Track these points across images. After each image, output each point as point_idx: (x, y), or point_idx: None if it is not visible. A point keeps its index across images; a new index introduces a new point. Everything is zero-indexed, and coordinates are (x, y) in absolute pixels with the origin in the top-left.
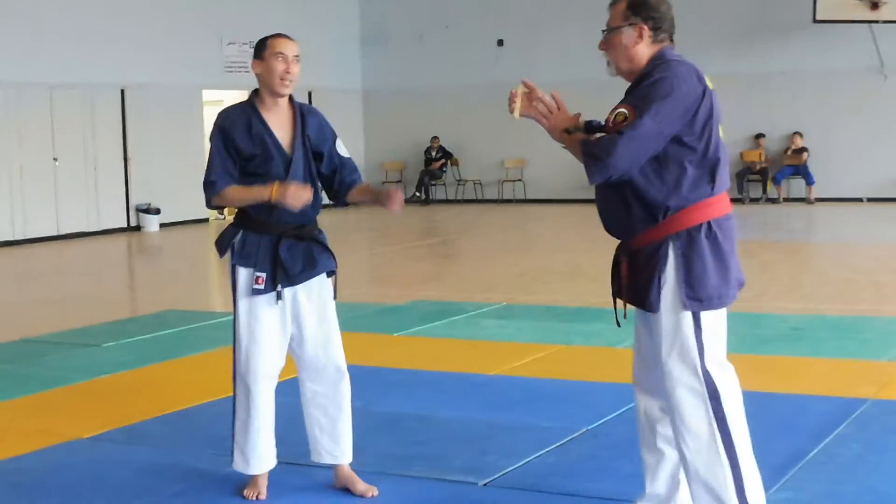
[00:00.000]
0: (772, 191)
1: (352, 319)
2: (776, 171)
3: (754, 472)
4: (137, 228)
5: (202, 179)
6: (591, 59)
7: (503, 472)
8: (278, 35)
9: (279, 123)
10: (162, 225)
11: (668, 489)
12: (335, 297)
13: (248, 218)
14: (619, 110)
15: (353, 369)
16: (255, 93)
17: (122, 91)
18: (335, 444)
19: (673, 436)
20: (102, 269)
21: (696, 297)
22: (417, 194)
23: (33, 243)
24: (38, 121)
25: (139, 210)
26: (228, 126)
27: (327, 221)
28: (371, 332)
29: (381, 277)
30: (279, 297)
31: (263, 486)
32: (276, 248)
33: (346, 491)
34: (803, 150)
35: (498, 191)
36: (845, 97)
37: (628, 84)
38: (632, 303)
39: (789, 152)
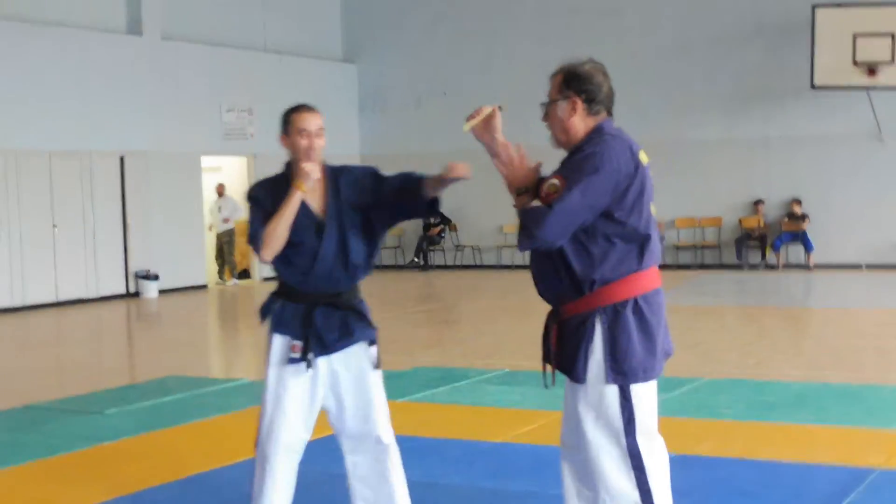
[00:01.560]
0: (770, 257)
1: None
2: (775, 238)
3: None
4: (136, 295)
5: (196, 250)
6: None
7: None
8: (301, 109)
9: (310, 191)
10: (161, 291)
11: None
12: (378, 366)
13: (285, 286)
14: (551, 181)
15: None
16: (288, 165)
17: (122, 158)
18: None
19: (593, 497)
20: (102, 335)
21: (621, 371)
22: (416, 260)
23: (32, 310)
24: (37, 187)
25: (138, 276)
26: (261, 196)
27: None
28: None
29: (382, 343)
30: (309, 365)
31: None
32: (311, 316)
33: None
34: (803, 216)
35: (496, 256)
36: (844, 162)
37: None
38: (560, 370)
39: (788, 218)
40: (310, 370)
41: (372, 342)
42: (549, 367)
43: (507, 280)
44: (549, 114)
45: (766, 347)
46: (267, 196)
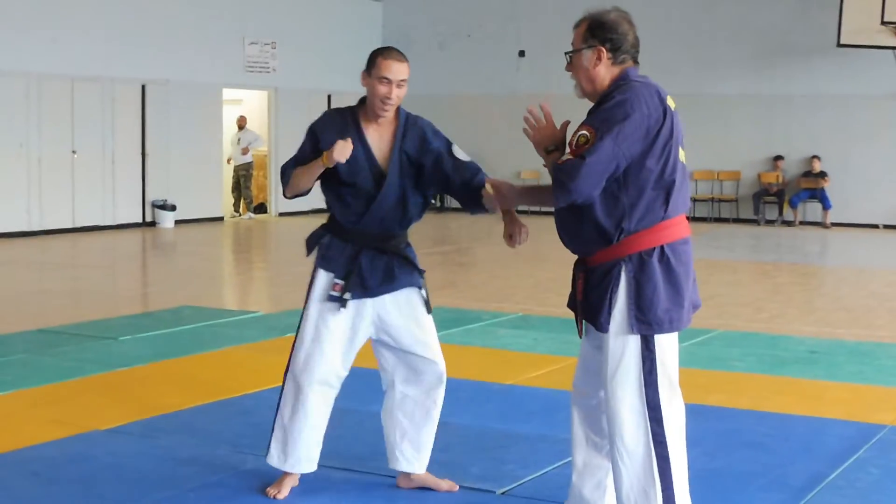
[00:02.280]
0: (788, 213)
1: None
2: (793, 194)
3: (686, 501)
4: (152, 224)
5: (210, 182)
6: None
7: (520, 481)
8: (390, 56)
9: (378, 136)
10: (177, 221)
11: (592, 495)
12: (429, 310)
13: (335, 223)
14: (580, 132)
15: (370, 374)
16: (362, 100)
17: (143, 86)
18: (416, 451)
19: (604, 445)
20: (117, 263)
21: (646, 321)
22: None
23: (49, 235)
24: (58, 112)
25: (155, 206)
26: (320, 129)
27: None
28: None
29: None
30: (344, 304)
31: (289, 486)
32: (357, 258)
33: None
34: (822, 174)
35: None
36: (866, 122)
37: None
38: (585, 319)
39: (807, 176)
40: (351, 309)
41: (419, 287)
42: (575, 316)
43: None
44: (573, 63)
45: (779, 303)
46: (326, 130)
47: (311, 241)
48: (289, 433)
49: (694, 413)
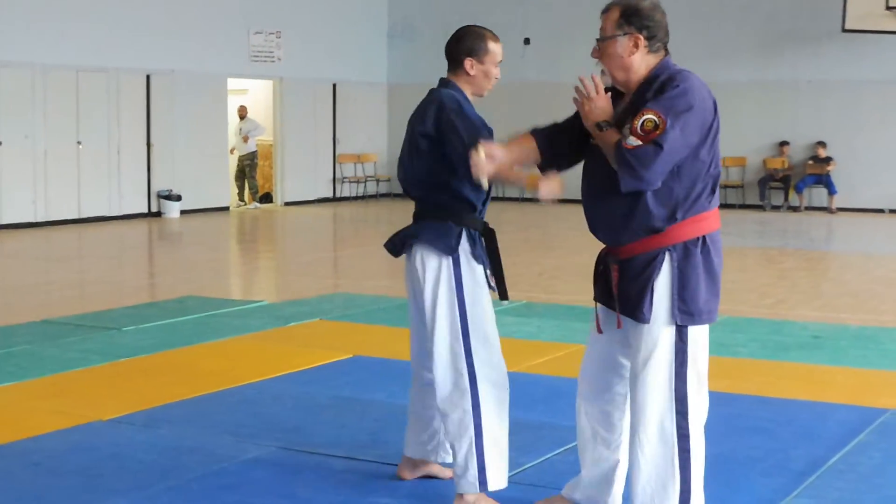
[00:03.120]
0: (793, 199)
1: (373, 312)
2: (799, 180)
3: (701, 497)
4: (158, 214)
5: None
6: None
7: (522, 468)
8: (497, 38)
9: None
10: (183, 212)
11: (597, 487)
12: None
13: (466, 212)
14: (647, 116)
15: (375, 362)
16: (453, 84)
17: (148, 77)
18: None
19: (613, 440)
20: (122, 253)
21: (688, 312)
22: None
23: (55, 225)
24: (63, 103)
25: (160, 196)
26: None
27: (346, 213)
28: (392, 326)
29: (401, 271)
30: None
31: None
32: (491, 244)
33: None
34: (828, 159)
35: (519, 189)
36: (872, 108)
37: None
38: (622, 312)
39: (813, 161)
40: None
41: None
42: (601, 308)
43: (529, 214)
44: (605, 51)
45: (784, 288)
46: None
47: (450, 238)
48: (502, 444)
49: None
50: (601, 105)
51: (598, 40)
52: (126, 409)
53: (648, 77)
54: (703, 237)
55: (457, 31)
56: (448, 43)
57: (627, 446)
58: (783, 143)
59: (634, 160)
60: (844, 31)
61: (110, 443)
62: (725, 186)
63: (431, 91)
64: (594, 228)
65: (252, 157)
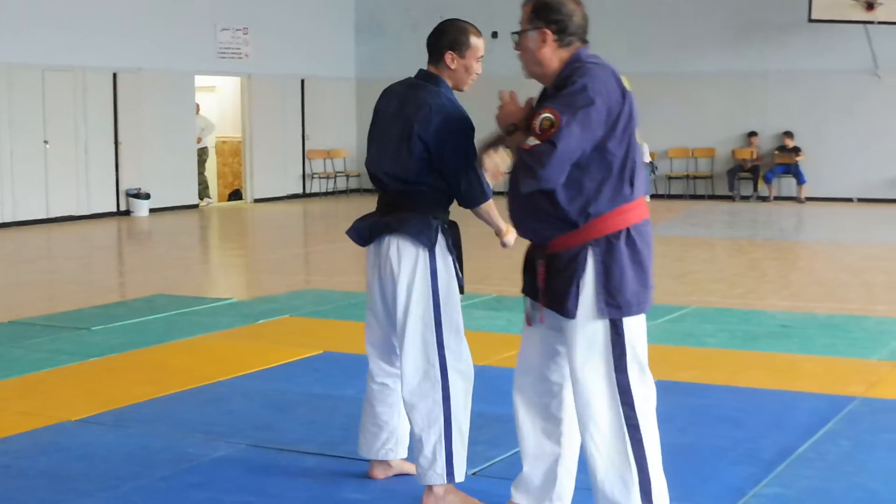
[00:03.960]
0: (763, 189)
1: (343, 308)
2: (767, 170)
3: (662, 482)
4: (127, 213)
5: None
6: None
7: (491, 462)
8: (480, 33)
9: None
10: (151, 210)
11: (542, 482)
12: None
13: (443, 207)
14: (544, 115)
15: (346, 358)
16: (429, 76)
17: (115, 75)
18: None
19: (554, 431)
20: (92, 252)
21: (616, 304)
22: None
23: (23, 226)
24: (29, 103)
25: (129, 195)
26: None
27: (316, 209)
28: (362, 321)
29: None
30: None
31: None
32: (456, 237)
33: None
34: (796, 149)
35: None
36: (839, 97)
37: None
38: (549, 307)
39: (781, 151)
40: None
41: None
42: (529, 302)
43: (501, 205)
44: (520, 45)
45: (754, 278)
46: None
47: (430, 232)
48: (466, 436)
49: (666, 389)
50: (510, 110)
51: (512, 34)
52: (95, 409)
53: (562, 71)
54: (628, 229)
55: (440, 24)
56: (430, 35)
57: (569, 439)
58: (752, 134)
59: (530, 159)
60: (811, 21)
61: (79, 443)
62: (695, 177)
63: (418, 86)
64: (517, 225)
65: (202, 153)
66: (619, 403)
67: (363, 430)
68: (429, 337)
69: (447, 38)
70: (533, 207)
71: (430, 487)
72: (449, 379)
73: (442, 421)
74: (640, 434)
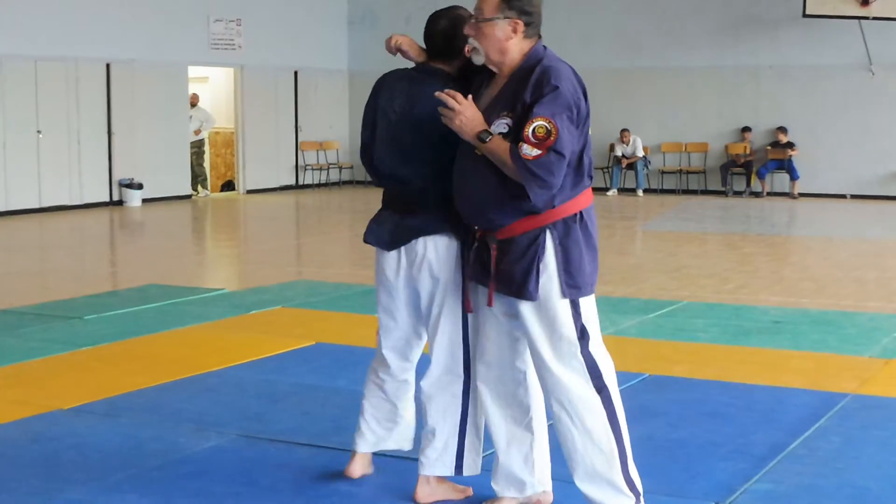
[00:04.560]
0: (756, 184)
1: (335, 300)
2: (761, 166)
3: (630, 448)
4: (120, 203)
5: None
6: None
7: (487, 452)
8: None
9: None
10: (144, 200)
11: (521, 470)
12: None
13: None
14: (538, 123)
15: (338, 349)
16: (441, 73)
17: (108, 65)
18: None
19: (523, 418)
20: (84, 242)
21: (575, 285)
22: None
23: (15, 215)
24: (22, 93)
25: (122, 185)
26: None
27: (308, 200)
28: (354, 313)
29: (364, 258)
30: None
31: None
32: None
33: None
34: (789, 144)
35: None
36: (832, 93)
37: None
38: (501, 291)
39: (774, 147)
40: None
41: None
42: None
43: None
44: (482, 30)
45: (746, 274)
46: None
47: (460, 230)
48: (481, 432)
49: (658, 384)
50: (471, 114)
51: (476, 20)
52: (87, 399)
53: (522, 63)
54: (581, 212)
55: (452, 19)
56: (443, 30)
57: (539, 422)
58: (745, 129)
59: (541, 170)
60: (805, 16)
61: (71, 432)
62: (688, 172)
63: (424, 82)
64: (467, 211)
65: (199, 144)
66: (591, 377)
67: (374, 424)
68: (455, 333)
69: (460, 36)
70: (496, 199)
71: (425, 477)
72: (470, 375)
73: (458, 415)
74: (612, 404)
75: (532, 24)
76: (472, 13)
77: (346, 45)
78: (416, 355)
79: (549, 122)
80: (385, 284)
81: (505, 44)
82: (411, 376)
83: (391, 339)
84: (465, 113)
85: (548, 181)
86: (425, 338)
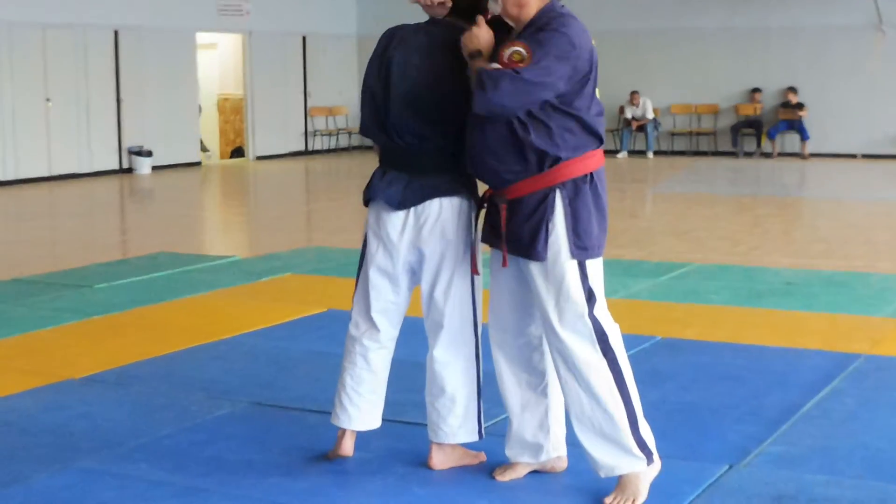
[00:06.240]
0: (766, 145)
1: (345, 266)
2: (771, 126)
3: (641, 409)
4: (129, 171)
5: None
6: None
7: (495, 420)
8: None
9: None
10: (154, 168)
11: (536, 436)
12: None
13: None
14: (515, 48)
15: (349, 316)
16: (460, 28)
17: (116, 32)
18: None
19: (538, 383)
20: (94, 210)
21: (583, 247)
22: None
23: (25, 184)
24: (30, 61)
25: (131, 152)
26: None
27: (318, 166)
28: None
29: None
30: None
31: None
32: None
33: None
34: (800, 105)
35: None
36: (842, 53)
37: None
38: (513, 252)
39: (784, 107)
40: None
41: None
42: (487, 248)
43: None
44: None
45: (757, 235)
46: None
47: (474, 190)
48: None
49: (670, 347)
50: (480, 35)
51: None
52: (98, 368)
53: (536, 17)
54: (591, 174)
55: None
56: None
57: (553, 388)
58: (755, 90)
59: (488, 80)
60: None
61: (82, 401)
62: (698, 134)
63: (440, 38)
64: (478, 165)
65: None
66: (597, 341)
67: (359, 400)
68: (466, 295)
69: None
70: (506, 148)
71: (439, 444)
72: (478, 335)
73: (475, 379)
74: (619, 367)
75: None
76: None
77: (354, 10)
78: (402, 320)
79: (527, 48)
80: (386, 245)
81: None
82: (392, 344)
83: (382, 301)
84: (476, 31)
85: (487, 91)
86: (409, 302)
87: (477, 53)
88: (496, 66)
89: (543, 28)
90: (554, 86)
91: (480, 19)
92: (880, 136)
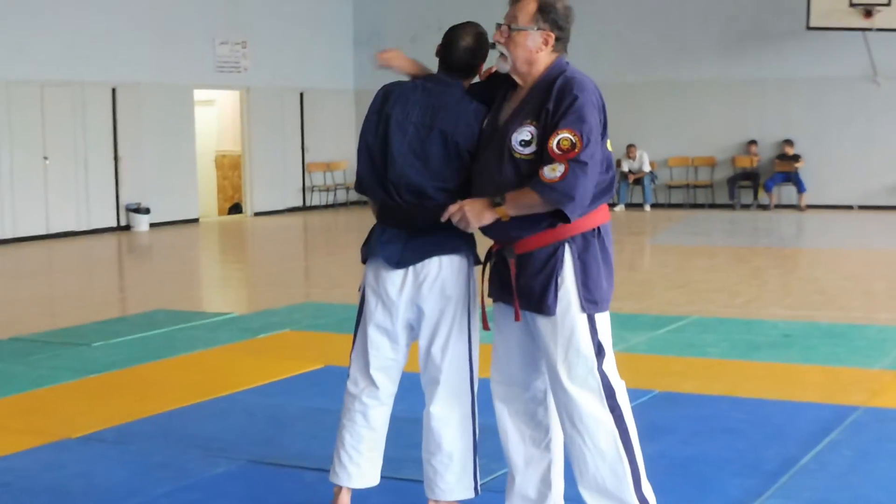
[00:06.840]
0: (763, 197)
1: (343, 321)
2: (768, 178)
3: (644, 467)
4: (127, 228)
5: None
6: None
7: (494, 475)
8: None
9: None
10: (152, 225)
11: (539, 491)
12: None
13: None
14: (563, 136)
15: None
16: (458, 84)
17: (114, 90)
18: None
19: (542, 438)
20: (92, 268)
21: (593, 300)
22: None
23: (22, 242)
24: (28, 118)
25: (129, 209)
26: None
27: (316, 222)
28: None
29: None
30: None
31: None
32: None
33: None
34: (796, 157)
35: None
36: (838, 104)
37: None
38: (524, 307)
39: (781, 159)
40: None
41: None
42: (490, 304)
43: None
44: (514, 39)
45: (755, 287)
46: None
47: (474, 248)
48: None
49: (668, 400)
50: (468, 203)
51: (506, 26)
52: (96, 426)
53: (545, 75)
54: (598, 228)
55: (476, 37)
56: (469, 46)
57: (557, 443)
58: (751, 142)
59: (567, 188)
60: (809, 28)
61: (80, 460)
62: (695, 186)
63: (443, 94)
64: (494, 228)
65: None
66: (604, 397)
67: (359, 457)
68: (464, 352)
69: (484, 50)
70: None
71: (436, 502)
72: (474, 391)
73: (472, 435)
74: (625, 425)
75: (562, 38)
76: (504, 20)
77: (351, 65)
78: (400, 376)
79: (573, 133)
80: (385, 303)
81: (534, 55)
82: (391, 401)
83: (381, 359)
84: (467, 208)
85: (575, 196)
86: (407, 359)
87: (498, 198)
88: (553, 172)
89: (564, 97)
90: (604, 150)
91: (449, 207)
92: (877, 187)
